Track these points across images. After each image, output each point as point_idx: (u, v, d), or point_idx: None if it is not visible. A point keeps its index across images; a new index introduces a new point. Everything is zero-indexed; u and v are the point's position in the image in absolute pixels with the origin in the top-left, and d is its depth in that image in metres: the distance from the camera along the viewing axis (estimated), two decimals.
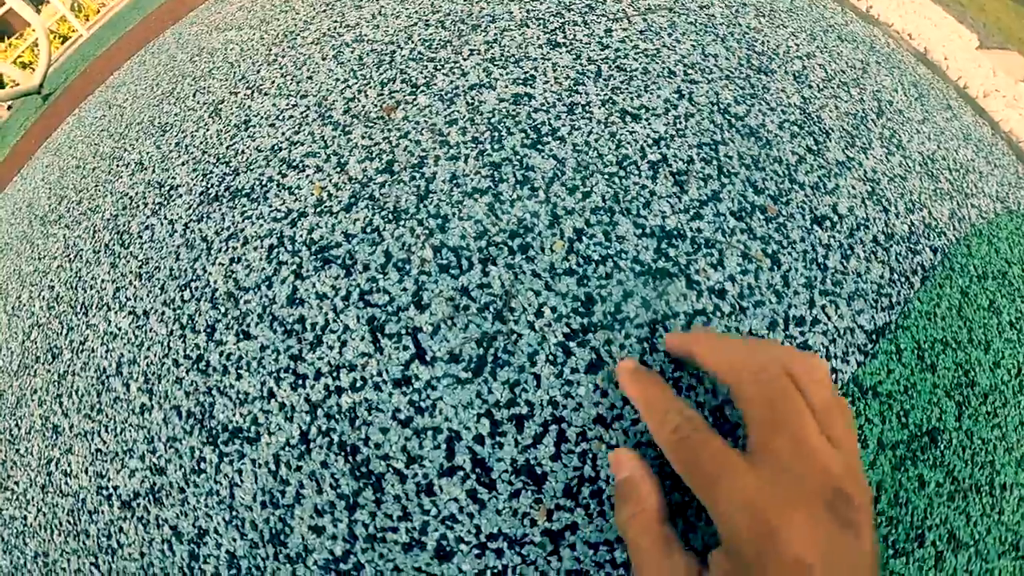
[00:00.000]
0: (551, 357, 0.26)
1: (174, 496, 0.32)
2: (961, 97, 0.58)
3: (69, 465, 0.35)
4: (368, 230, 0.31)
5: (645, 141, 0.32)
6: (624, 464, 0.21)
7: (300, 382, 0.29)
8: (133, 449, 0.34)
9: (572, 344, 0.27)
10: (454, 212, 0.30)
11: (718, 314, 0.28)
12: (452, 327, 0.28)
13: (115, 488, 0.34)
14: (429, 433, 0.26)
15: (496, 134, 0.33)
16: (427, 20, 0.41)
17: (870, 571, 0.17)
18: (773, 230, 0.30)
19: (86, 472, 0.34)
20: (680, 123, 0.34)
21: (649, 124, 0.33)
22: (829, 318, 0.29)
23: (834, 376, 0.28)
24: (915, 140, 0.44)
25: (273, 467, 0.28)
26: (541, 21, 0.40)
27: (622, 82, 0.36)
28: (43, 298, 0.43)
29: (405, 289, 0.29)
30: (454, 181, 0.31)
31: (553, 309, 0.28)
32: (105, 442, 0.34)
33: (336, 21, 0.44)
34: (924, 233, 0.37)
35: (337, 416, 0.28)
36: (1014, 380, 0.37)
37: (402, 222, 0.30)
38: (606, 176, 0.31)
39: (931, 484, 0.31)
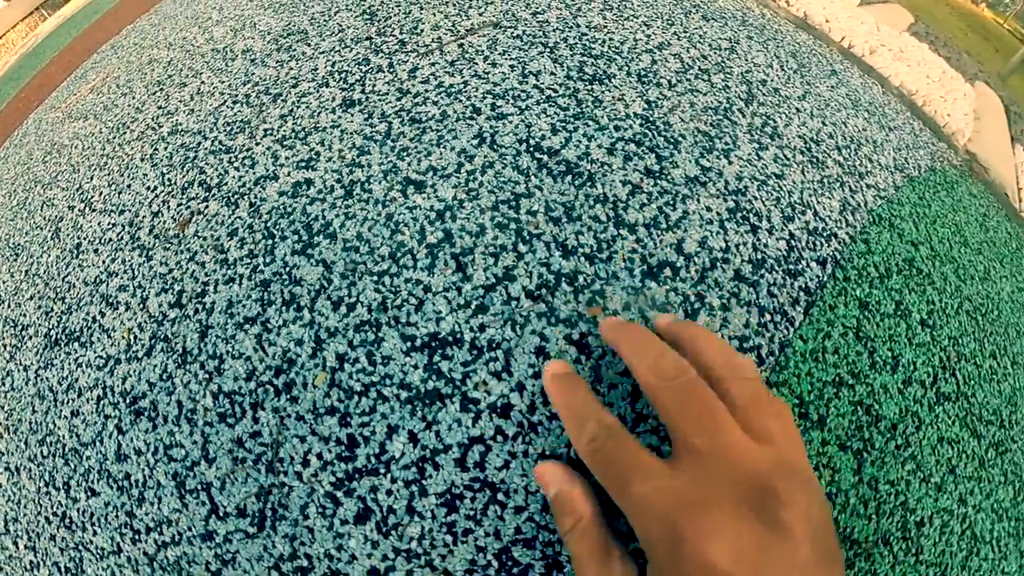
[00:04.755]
0: (320, 509, 0.17)
1: None
2: (847, 59, 0.40)
3: None
4: (164, 377, 0.21)
5: (427, 218, 0.19)
6: (551, 479, 0.15)
7: (137, 537, 0.21)
8: None
9: (339, 493, 0.16)
10: (227, 350, 0.20)
11: (499, 439, 0.16)
12: (235, 481, 0.19)
13: None
14: None
15: (270, 242, 0.21)
16: (236, 95, 0.28)
17: (811, 571, 0.12)
18: (585, 304, 0.18)
19: None
20: (475, 179, 0.20)
21: (435, 192, 0.20)
22: None
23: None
24: (795, 122, 0.29)
25: None
26: (343, 75, 0.26)
27: (412, 139, 0.22)
28: None
29: (195, 442, 0.20)
30: (229, 311, 0.21)
31: (319, 456, 0.17)
32: None
33: (160, 107, 0.32)
34: (808, 244, 0.23)
35: (168, 568, 0.20)
36: (929, 392, 0.23)
37: (188, 365, 0.21)
38: (375, 277, 0.19)
39: None
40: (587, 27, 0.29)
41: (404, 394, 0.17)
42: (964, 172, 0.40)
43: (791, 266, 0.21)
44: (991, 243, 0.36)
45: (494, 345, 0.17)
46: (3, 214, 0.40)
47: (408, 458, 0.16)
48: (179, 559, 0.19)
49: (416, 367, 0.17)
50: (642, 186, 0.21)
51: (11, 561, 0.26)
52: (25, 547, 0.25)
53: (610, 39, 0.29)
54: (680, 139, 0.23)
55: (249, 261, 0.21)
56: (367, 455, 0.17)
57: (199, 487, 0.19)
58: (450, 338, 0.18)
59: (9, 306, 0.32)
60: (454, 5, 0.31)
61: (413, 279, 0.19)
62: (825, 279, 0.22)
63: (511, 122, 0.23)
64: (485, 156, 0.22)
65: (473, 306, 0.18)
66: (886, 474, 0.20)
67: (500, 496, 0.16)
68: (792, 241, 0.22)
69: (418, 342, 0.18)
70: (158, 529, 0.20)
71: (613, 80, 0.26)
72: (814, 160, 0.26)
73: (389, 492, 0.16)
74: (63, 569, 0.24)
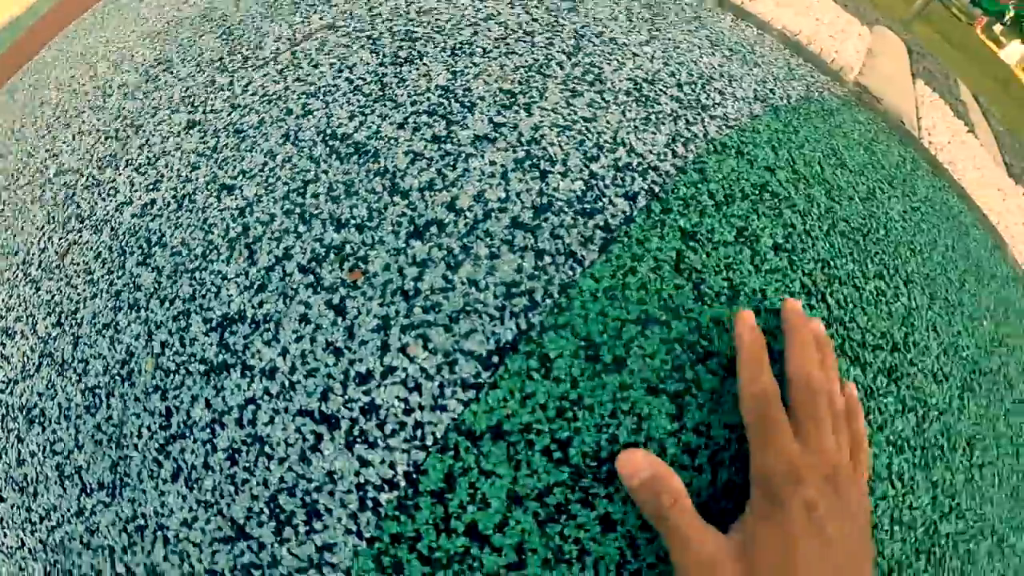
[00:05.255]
0: (149, 472, 0.20)
1: None
2: (721, 7, 0.38)
3: None
4: (49, 386, 0.25)
5: (231, 216, 0.23)
6: (642, 465, 0.18)
7: (33, 528, 0.25)
8: None
9: (161, 457, 0.20)
10: (91, 353, 0.24)
11: (267, 398, 0.18)
12: (97, 460, 0.22)
13: None
14: (101, 550, 0.21)
15: (122, 258, 0.25)
16: (108, 131, 0.33)
17: (861, 539, 0.19)
18: (348, 270, 0.19)
19: None
20: (273, 175, 0.23)
21: (241, 192, 0.23)
22: (412, 359, 0.18)
23: (451, 420, 0.17)
24: (627, 67, 0.28)
25: None
26: (191, 99, 0.30)
27: (232, 148, 0.26)
28: None
29: (70, 434, 0.24)
30: (93, 321, 0.24)
31: (148, 427, 0.20)
32: None
33: (48, 150, 0.36)
34: (615, 179, 0.23)
35: (56, 548, 0.24)
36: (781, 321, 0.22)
37: (64, 372, 0.25)
38: (190, 274, 0.22)
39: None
40: (416, 12, 0.31)
41: (203, 368, 0.19)
42: (849, 102, 0.38)
43: (587, 205, 0.21)
44: (878, 165, 0.34)
45: (268, 318, 0.19)
46: None
47: (204, 421, 0.19)
48: (63, 539, 0.22)
49: (212, 344, 0.20)
50: (424, 152, 0.22)
51: None
52: None
53: (436, 19, 0.30)
54: (478, 101, 0.24)
55: (107, 277, 0.25)
56: (178, 423, 0.19)
57: (73, 472, 0.22)
58: (236, 316, 0.20)
59: None
60: (300, 13, 0.33)
61: (216, 270, 0.21)
62: (634, 214, 0.21)
63: (315, 116, 0.25)
64: (285, 153, 0.24)
65: (255, 286, 0.20)
66: (722, 417, 0.19)
67: (267, 449, 0.17)
68: (592, 180, 0.22)
69: (214, 323, 0.20)
70: (48, 516, 0.23)
71: (424, 59, 0.27)
72: (642, 99, 0.26)
73: (193, 452, 0.19)
74: None
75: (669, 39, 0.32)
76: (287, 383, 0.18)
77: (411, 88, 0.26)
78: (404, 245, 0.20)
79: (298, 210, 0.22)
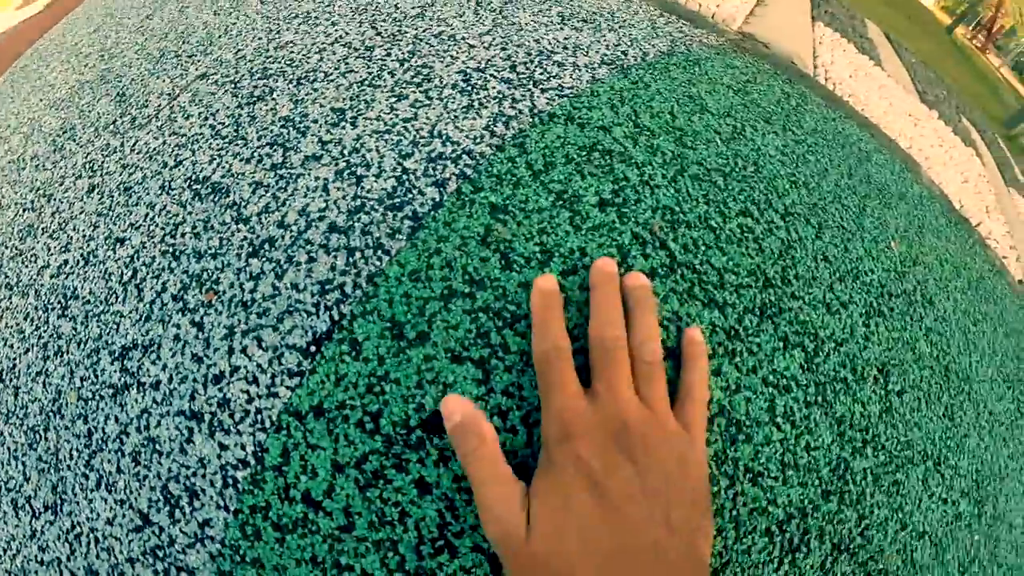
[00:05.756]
0: (81, 484, 0.28)
1: None
2: None
3: None
4: (2, 437, 0.35)
5: (124, 263, 0.31)
6: (455, 407, 0.22)
7: None
8: None
9: (88, 471, 0.28)
10: (29, 399, 0.33)
11: (155, 405, 0.25)
12: (41, 487, 0.30)
13: None
14: (52, 564, 0.29)
15: (44, 314, 0.34)
16: (24, 202, 0.42)
17: (654, 494, 0.20)
18: (204, 292, 0.27)
19: None
20: (153, 223, 0.31)
21: (130, 242, 0.31)
22: (250, 357, 0.24)
23: (282, 404, 0.24)
24: (459, 60, 0.34)
25: None
26: (91, 164, 0.39)
27: (123, 205, 0.34)
28: None
29: (19, 471, 0.32)
30: (28, 371, 0.33)
31: (76, 449, 0.29)
32: None
33: None
34: (425, 171, 0.28)
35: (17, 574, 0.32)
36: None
37: (9, 420, 0.34)
38: (97, 317, 0.30)
39: None
40: (275, 47, 0.38)
41: (111, 391, 0.27)
42: (724, 50, 0.41)
43: (397, 199, 0.27)
44: (752, 105, 0.37)
45: (153, 342, 0.26)
46: None
47: (114, 432, 0.26)
48: (23, 563, 0.31)
49: (116, 371, 0.27)
50: (264, 181, 0.29)
51: None
52: None
53: (290, 52, 0.37)
54: (311, 124, 0.31)
55: (36, 332, 0.33)
56: (97, 439, 0.27)
57: (24, 502, 0.31)
58: (131, 344, 0.27)
59: None
60: (180, 65, 0.41)
61: (116, 311, 0.29)
62: (444, 199, 0.27)
63: (184, 165, 0.32)
64: (162, 202, 0.31)
65: (143, 317, 0.27)
66: (535, 379, 0.24)
67: (157, 447, 0.25)
68: (403, 176, 0.28)
69: (116, 353, 0.28)
70: (8, 547, 0.32)
71: (273, 93, 0.34)
72: (467, 89, 0.31)
73: (108, 460, 0.26)
74: None
75: (513, 23, 0.37)
76: (167, 391, 0.26)
77: (259, 124, 0.33)
78: (245, 264, 0.27)
79: (171, 250, 0.29)
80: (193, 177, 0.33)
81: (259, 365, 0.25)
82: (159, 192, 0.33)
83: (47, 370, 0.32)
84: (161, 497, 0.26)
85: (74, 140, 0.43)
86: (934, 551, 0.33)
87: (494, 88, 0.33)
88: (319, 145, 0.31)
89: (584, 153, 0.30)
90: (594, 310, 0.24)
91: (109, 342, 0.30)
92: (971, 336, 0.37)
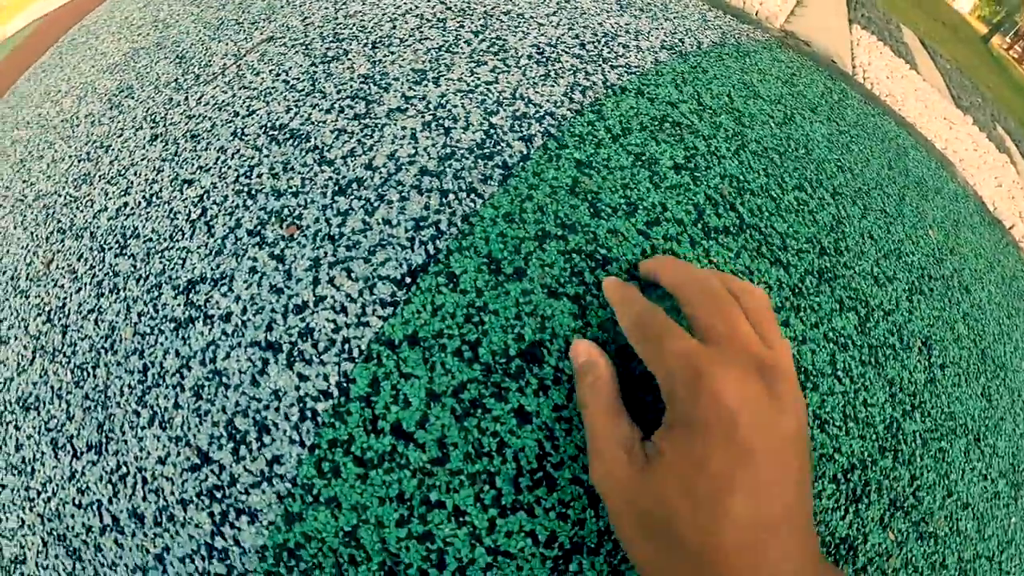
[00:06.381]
0: (130, 423, 0.26)
1: None
2: None
3: None
4: (42, 375, 0.33)
5: (192, 203, 0.30)
6: (581, 350, 0.21)
7: (32, 505, 0.32)
8: None
9: (140, 408, 0.26)
10: (79, 336, 0.31)
11: (224, 337, 0.25)
12: (86, 425, 0.29)
13: None
14: (91, 507, 0.27)
15: (101, 254, 0.33)
16: (80, 154, 0.42)
17: (792, 444, 0.17)
18: (285, 227, 0.26)
19: None
20: (225, 165, 0.31)
21: (199, 183, 0.31)
22: (338, 288, 0.24)
23: (373, 334, 0.24)
24: (531, 35, 0.35)
25: (37, 573, 0.31)
26: (152, 116, 0.39)
27: (190, 151, 0.34)
28: None
29: (61, 409, 0.31)
30: (79, 310, 0.32)
31: (129, 386, 0.27)
32: None
33: (25, 181, 0.46)
34: (512, 127, 0.29)
35: (53, 517, 0.30)
36: (692, 229, 0.28)
37: (55, 358, 0.32)
38: (160, 255, 0.30)
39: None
40: (344, 16, 0.39)
41: (172, 325, 0.26)
42: (769, 44, 0.45)
43: (487, 150, 0.27)
44: (799, 95, 0.41)
45: (224, 275, 0.25)
46: None
47: (173, 366, 0.25)
48: (57, 505, 0.28)
49: (179, 304, 0.26)
50: (347, 129, 0.29)
51: None
52: None
53: (360, 20, 0.38)
54: (392, 82, 0.31)
55: (89, 272, 0.32)
56: (153, 375, 0.25)
57: (65, 441, 0.29)
58: (199, 278, 0.26)
59: None
60: (243, 31, 0.42)
61: (182, 247, 0.28)
62: (531, 152, 0.28)
63: (257, 115, 0.32)
64: (235, 147, 0.31)
65: (213, 252, 0.27)
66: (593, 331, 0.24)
67: (224, 379, 0.24)
68: (491, 130, 0.29)
69: (181, 288, 0.27)
70: (44, 489, 0.29)
71: (349, 55, 0.35)
72: (542, 61, 0.33)
73: (165, 396, 0.25)
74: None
75: (576, 7, 0.39)
76: (240, 323, 0.25)
77: (336, 80, 0.33)
78: (330, 201, 0.27)
79: (246, 189, 0.29)
80: (268, 124, 0.33)
81: (348, 295, 0.24)
82: (231, 138, 0.33)
83: (100, 307, 0.31)
84: (224, 433, 0.25)
85: (132, 98, 0.43)
86: (976, 524, 0.34)
87: (567, 61, 0.34)
88: (403, 99, 0.31)
89: (656, 123, 0.32)
90: (661, 269, 0.22)
91: (173, 277, 0.29)
92: (1005, 327, 0.39)
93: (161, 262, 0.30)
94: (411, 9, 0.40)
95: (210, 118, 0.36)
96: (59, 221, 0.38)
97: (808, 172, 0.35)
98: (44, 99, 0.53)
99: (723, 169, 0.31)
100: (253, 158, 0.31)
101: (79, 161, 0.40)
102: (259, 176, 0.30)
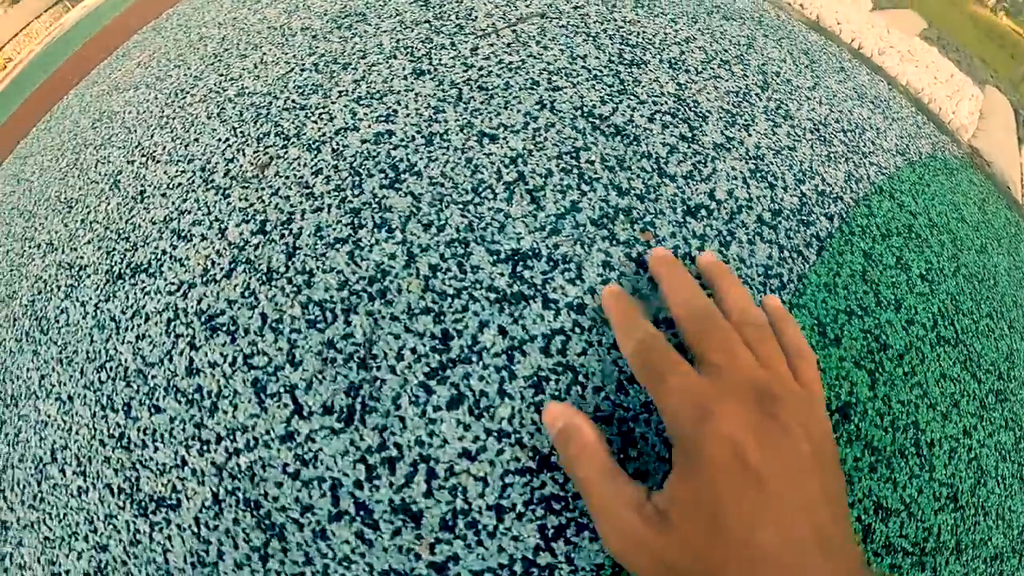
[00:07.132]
0: (413, 398, 0.23)
1: (119, 570, 0.29)
2: (856, 58, 0.52)
3: (22, 557, 0.32)
4: (246, 294, 0.27)
5: (501, 162, 0.28)
6: (557, 415, 0.20)
7: (205, 447, 0.26)
8: (77, 531, 0.31)
9: (432, 383, 0.23)
10: (318, 265, 0.27)
11: (578, 330, 0.23)
12: (323, 380, 0.24)
13: (67, 572, 0.31)
14: (315, 482, 0.23)
15: (357, 179, 0.29)
16: (303, 64, 0.37)
17: (809, 465, 0.17)
18: (640, 231, 0.26)
19: (38, 562, 0.32)
20: (540, 135, 0.29)
21: (507, 143, 0.29)
22: None
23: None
24: (805, 107, 0.38)
25: (195, 529, 0.26)
26: (409, 50, 0.36)
27: (482, 103, 0.31)
28: None
29: (280, 349, 0.26)
30: (318, 233, 0.28)
31: (413, 350, 0.24)
32: (51, 529, 0.32)
33: (222, 75, 0.40)
34: (817, 201, 0.32)
35: (239, 475, 0.25)
36: (930, 334, 0.32)
37: (274, 282, 0.27)
38: (460, 206, 0.27)
39: (848, 460, 0.26)
40: (622, 21, 0.39)
41: (492, 296, 0.24)
42: (965, 163, 0.51)
43: (804, 217, 0.29)
44: (988, 224, 0.46)
45: (567, 259, 0.24)
46: (52, 175, 0.46)
47: (498, 347, 0.22)
48: (252, 464, 0.24)
49: (502, 275, 0.24)
50: (678, 147, 0.29)
51: (55, 490, 0.30)
52: (73, 473, 0.30)
53: (643, 31, 0.38)
54: (707, 114, 0.32)
55: (337, 194, 0.28)
56: (460, 346, 0.23)
57: (281, 390, 0.24)
58: (529, 252, 0.24)
59: (63, 252, 0.37)
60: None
61: (494, 208, 0.26)
62: (833, 231, 0.30)
63: (566, 93, 0.31)
64: (547, 118, 0.29)
65: (547, 229, 0.25)
66: (897, 394, 0.27)
67: (580, 378, 0.22)
68: (804, 198, 0.30)
69: (502, 255, 0.25)
70: (230, 437, 0.25)
71: (648, 66, 0.34)
72: (822, 139, 0.35)
73: (481, 378, 0.22)
74: (116, 490, 0.28)
75: (828, 88, 0.42)
76: (600, 319, 0.23)
77: (647, 89, 0.33)
78: (683, 219, 0.26)
79: (575, 171, 0.27)
80: (584, 109, 0.31)
81: None
82: (537, 107, 0.31)
83: (359, 241, 0.26)
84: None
85: (367, 24, 0.38)
86: None
87: (839, 146, 0.37)
88: (723, 137, 0.32)
89: (907, 231, 0.36)
90: (670, 293, 0.22)
91: (486, 239, 0.25)
92: None
93: (464, 215, 0.27)
94: (691, 38, 0.40)
95: (498, 75, 0.33)
96: (277, 125, 0.32)
97: (995, 302, 0.41)
98: (239, 5, 0.46)
99: (947, 287, 0.36)
100: (576, 139, 0.29)
101: (302, 70, 0.34)
102: (590, 163, 0.28)
